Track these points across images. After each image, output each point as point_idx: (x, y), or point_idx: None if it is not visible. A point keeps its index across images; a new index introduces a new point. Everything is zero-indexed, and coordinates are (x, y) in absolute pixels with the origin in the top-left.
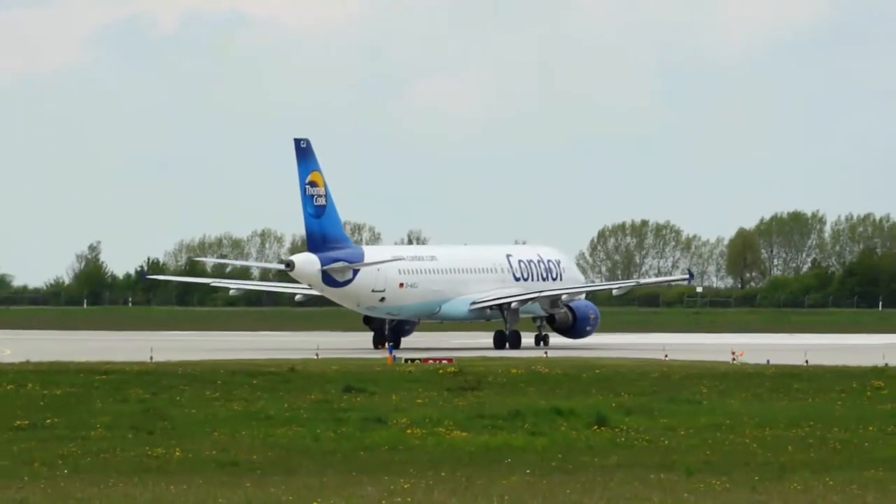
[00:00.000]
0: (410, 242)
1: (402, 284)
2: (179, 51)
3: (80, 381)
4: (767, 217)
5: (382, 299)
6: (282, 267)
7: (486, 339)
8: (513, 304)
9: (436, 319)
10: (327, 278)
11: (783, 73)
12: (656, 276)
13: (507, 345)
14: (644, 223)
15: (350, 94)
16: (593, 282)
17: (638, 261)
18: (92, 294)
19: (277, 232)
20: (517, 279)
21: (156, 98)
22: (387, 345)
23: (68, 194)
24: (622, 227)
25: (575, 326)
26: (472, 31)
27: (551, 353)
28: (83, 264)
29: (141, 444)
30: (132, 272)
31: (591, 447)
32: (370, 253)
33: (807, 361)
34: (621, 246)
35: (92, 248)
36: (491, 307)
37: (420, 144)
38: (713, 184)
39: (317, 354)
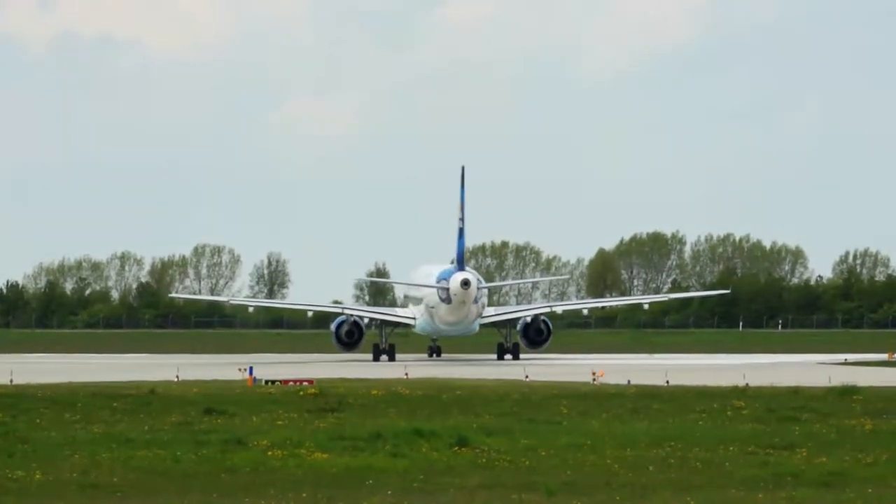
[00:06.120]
0: (270, 265)
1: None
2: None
3: None
4: (627, 237)
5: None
6: (446, 286)
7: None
8: (528, 319)
9: (464, 335)
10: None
11: (643, 95)
12: (516, 297)
13: (510, 355)
14: (504, 244)
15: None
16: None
17: (498, 282)
18: None
19: (137, 254)
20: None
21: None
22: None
23: None
24: (482, 248)
25: (548, 338)
26: (338, 53)
27: (412, 374)
28: None
29: (1, 467)
30: None
31: (452, 468)
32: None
33: (667, 382)
34: (481, 267)
35: None
36: (492, 323)
37: (279, 167)
38: (572, 204)
39: (177, 377)
